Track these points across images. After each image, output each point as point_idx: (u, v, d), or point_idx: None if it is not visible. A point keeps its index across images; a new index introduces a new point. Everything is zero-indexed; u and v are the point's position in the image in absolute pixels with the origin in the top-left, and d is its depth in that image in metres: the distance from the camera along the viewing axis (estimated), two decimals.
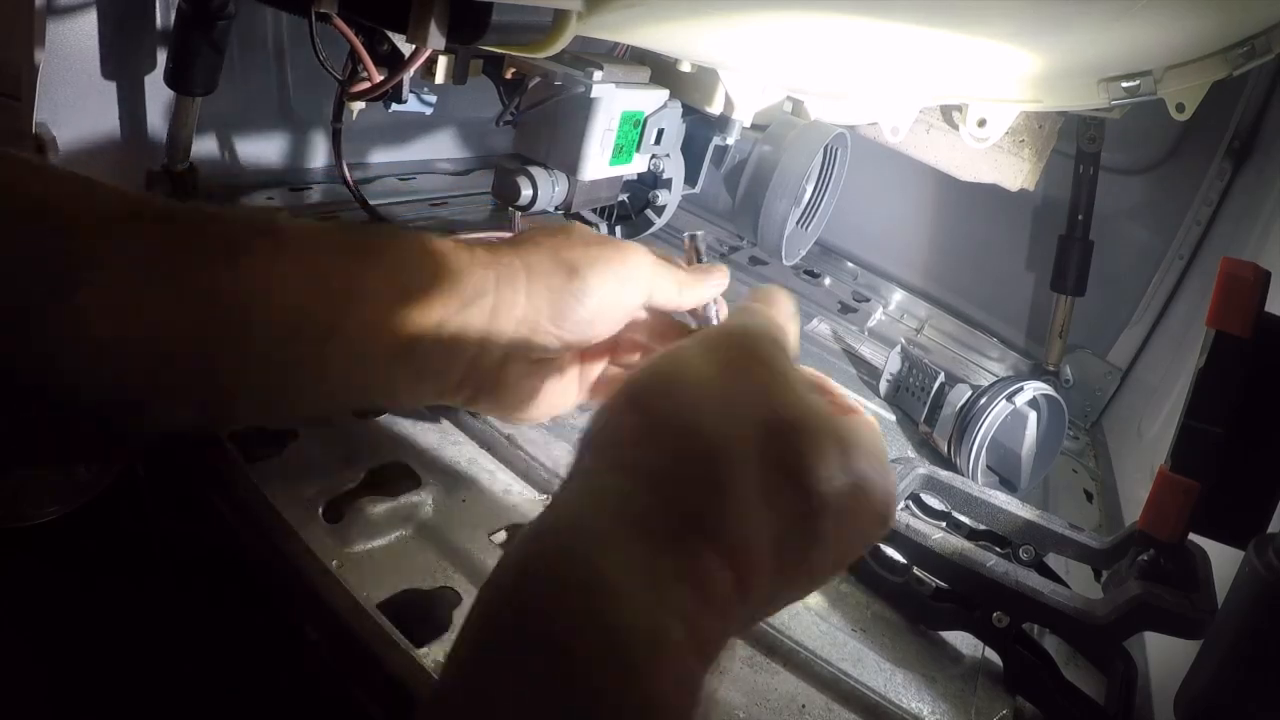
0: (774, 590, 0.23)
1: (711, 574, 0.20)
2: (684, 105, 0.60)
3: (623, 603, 0.19)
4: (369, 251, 0.30)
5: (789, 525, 0.22)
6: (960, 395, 0.61)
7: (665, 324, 0.39)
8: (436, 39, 0.33)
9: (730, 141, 0.62)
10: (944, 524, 0.47)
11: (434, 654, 0.33)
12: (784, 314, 0.31)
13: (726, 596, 0.21)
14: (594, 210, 0.61)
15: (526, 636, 0.18)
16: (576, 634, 0.18)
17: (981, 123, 0.64)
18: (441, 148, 0.83)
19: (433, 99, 0.50)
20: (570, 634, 0.18)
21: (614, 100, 0.53)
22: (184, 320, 0.26)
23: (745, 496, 0.22)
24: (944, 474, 0.51)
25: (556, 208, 0.56)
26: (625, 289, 0.35)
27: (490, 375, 0.34)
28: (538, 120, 0.54)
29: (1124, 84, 0.53)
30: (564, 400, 0.38)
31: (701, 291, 0.38)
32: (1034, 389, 0.60)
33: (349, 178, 0.55)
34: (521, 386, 0.36)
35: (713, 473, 0.22)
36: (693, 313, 0.39)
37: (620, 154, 0.56)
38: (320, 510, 0.38)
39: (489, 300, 0.32)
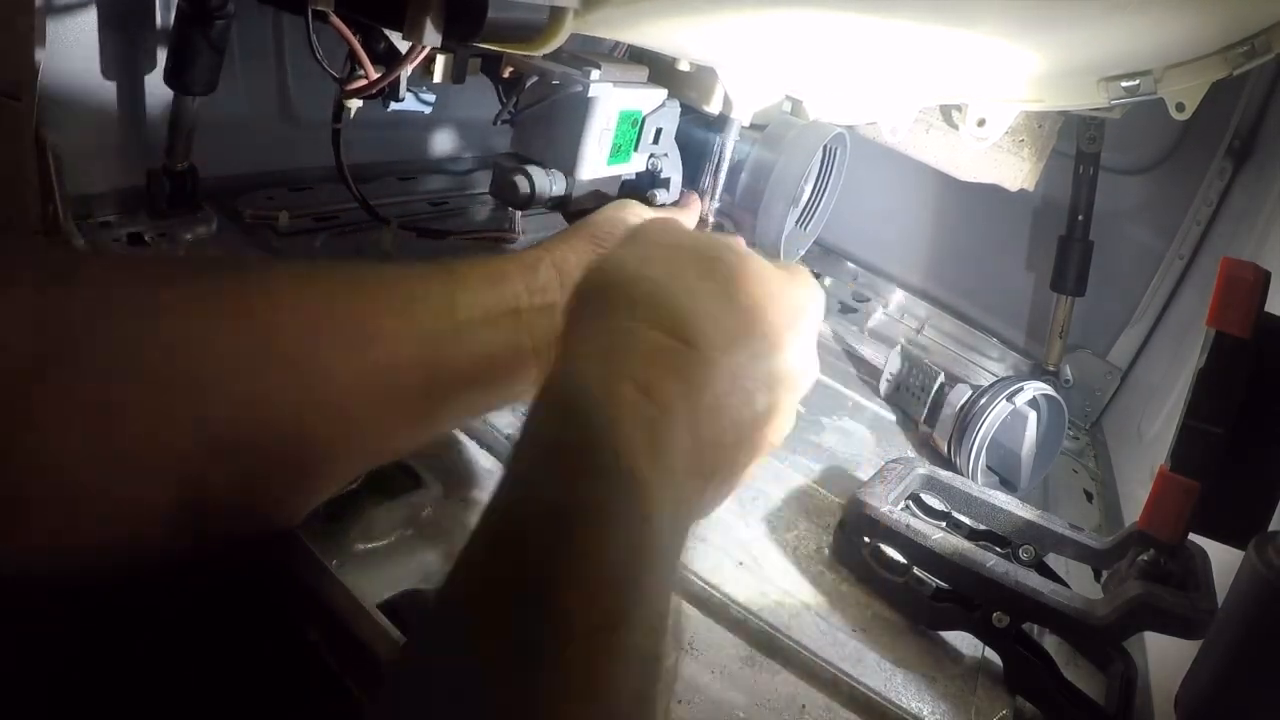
0: (723, 349, 0.27)
1: (657, 343, 0.26)
2: (682, 105, 0.60)
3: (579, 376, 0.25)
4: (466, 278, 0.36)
5: (715, 300, 0.28)
6: (960, 395, 0.61)
7: None
8: (433, 36, 0.33)
9: (729, 141, 0.62)
10: (944, 524, 0.47)
11: None
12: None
13: (675, 354, 0.26)
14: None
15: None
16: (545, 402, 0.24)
17: (981, 122, 0.64)
18: (441, 147, 0.82)
19: (431, 98, 0.50)
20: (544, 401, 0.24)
21: (611, 99, 0.53)
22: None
23: (683, 286, 0.28)
24: (944, 474, 0.51)
25: (554, 207, 0.56)
26: (621, 203, 0.45)
27: None
28: (535, 119, 0.54)
29: (1124, 83, 0.53)
30: None
31: (688, 216, 0.51)
32: (1034, 389, 0.60)
33: (349, 177, 0.55)
34: None
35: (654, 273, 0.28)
36: None
37: (618, 153, 0.56)
38: (320, 510, 0.38)
39: (545, 261, 0.39)
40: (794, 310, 0.31)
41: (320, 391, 0.30)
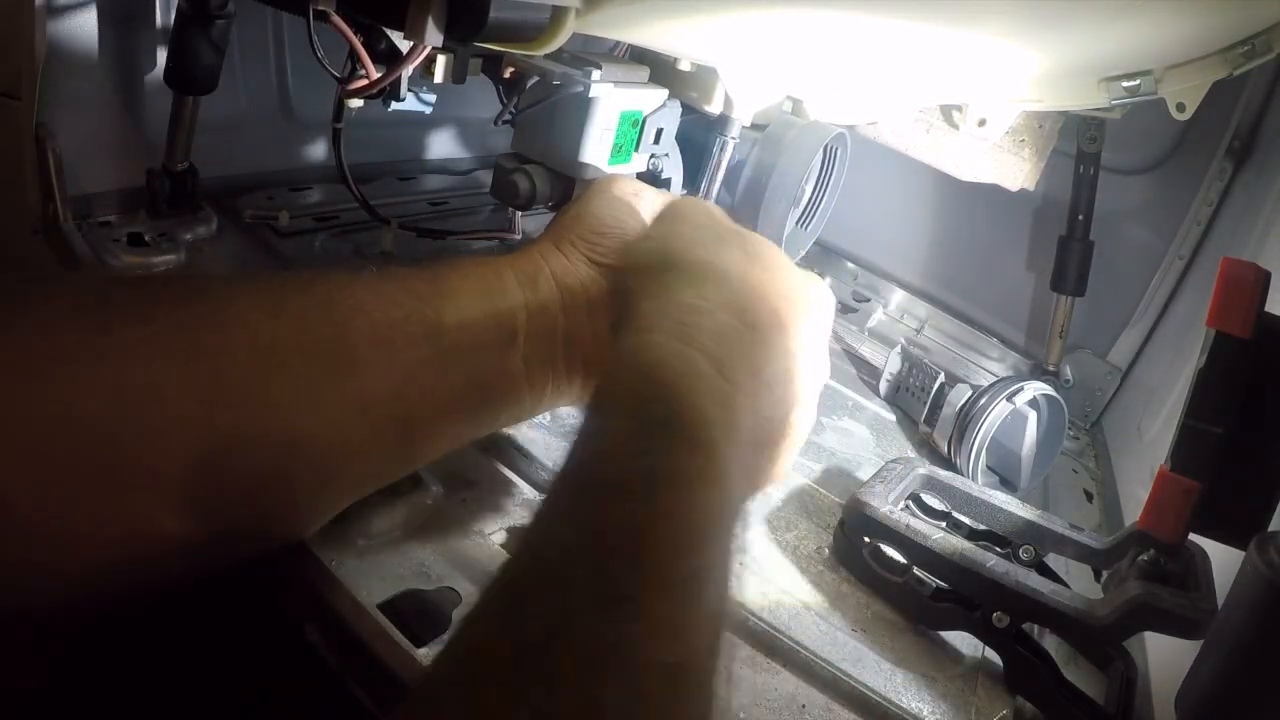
0: (776, 332, 0.31)
1: (725, 323, 0.29)
2: (683, 105, 0.60)
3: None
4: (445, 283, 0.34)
5: (764, 286, 0.32)
6: (960, 395, 0.61)
7: None
8: (434, 35, 0.33)
9: (730, 140, 0.62)
10: (944, 524, 0.47)
11: (434, 654, 0.33)
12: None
13: (740, 335, 0.29)
14: None
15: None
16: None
17: (981, 122, 0.64)
18: (441, 147, 0.83)
19: (432, 98, 0.50)
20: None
21: (612, 99, 0.53)
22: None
23: (737, 270, 0.32)
24: (944, 474, 0.51)
25: (554, 207, 0.56)
26: (612, 187, 0.41)
27: (595, 338, 0.37)
28: (536, 119, 0.54)
29: (1124, 83, 0.53)
30: None
31: None
32: (1034, 389, 0.60)
33: (349, 177, 0.55)
34: None
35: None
36: None
37: (619, 153, 0.56)
38: None
39: (545, 272, 0.37)
40: (811, 304, 0.34)
41: (285, 431, 0.29)
